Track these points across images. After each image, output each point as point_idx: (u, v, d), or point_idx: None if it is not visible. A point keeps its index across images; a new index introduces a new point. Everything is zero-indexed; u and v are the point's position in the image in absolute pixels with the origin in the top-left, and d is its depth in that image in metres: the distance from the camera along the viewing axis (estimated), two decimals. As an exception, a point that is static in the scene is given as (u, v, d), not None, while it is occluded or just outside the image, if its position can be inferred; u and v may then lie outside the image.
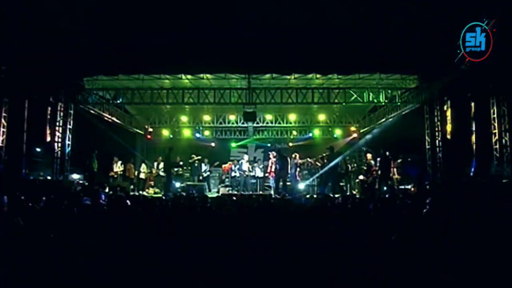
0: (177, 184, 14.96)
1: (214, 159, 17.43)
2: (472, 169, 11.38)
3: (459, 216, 4.33)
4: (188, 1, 10.13)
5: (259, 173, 15.33)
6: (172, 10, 9.97)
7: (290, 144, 18.94)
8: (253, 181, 15.41)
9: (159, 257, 3.22)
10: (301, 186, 14.09)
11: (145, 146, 19.40)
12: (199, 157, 16.14)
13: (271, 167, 14.80)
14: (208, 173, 16.03)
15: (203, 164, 15.94)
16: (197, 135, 18.66)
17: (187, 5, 9.95)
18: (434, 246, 3.23)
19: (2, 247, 3.45)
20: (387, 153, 12.31)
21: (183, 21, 10.25)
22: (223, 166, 16.40)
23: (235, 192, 13.99)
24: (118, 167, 15.15)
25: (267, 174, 15.16)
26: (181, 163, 15.99)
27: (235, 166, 15.61)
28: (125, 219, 4.14)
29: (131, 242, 3.48)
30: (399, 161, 12.55)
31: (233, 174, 15.46)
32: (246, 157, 16.14)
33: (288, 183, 13.68)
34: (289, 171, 13.76)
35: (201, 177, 15.83)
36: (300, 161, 14.62)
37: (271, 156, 15.08)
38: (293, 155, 14.60)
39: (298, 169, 14.69)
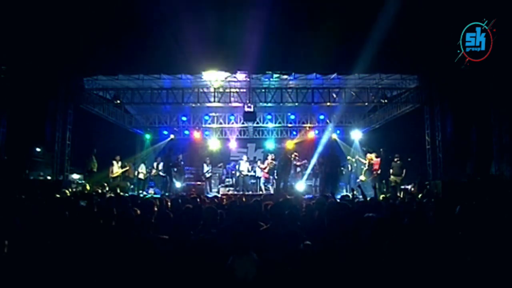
0: (178, 185, 14.95)
1: (214, 159, 17.43)
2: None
3: (460, 216, 4.33)
4: (189, 1, 10.13)
5: (259, 173, 15.35)
6: (172, 10, 9.97)
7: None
8: (253, 181, 15.44)
9: (158, 258, 3.21)
10: (301, 186, 14.09)
11: (145, 146, 19.40)
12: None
13: (265, 167, 14.87)
14: (210, 173, 16.01)
15: (205, 165, 15.92)
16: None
17: (187, 5, 9.95)
18: (434, 247, 3.23)
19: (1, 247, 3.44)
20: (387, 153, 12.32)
21: (182, 20, 10.24)
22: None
23: (235, 192, 14.00)
24: (118, 167, 14.98)
25: (260, 175, 15.19)
26: (182, 163, 15.95)
27: (234, 166, 15.68)
28: (123, 219, 4.13)
29: (129, 242, 3.47)
30: (395, 159, 12.52)
31: (237, 174, 15.53)
32: (245, 157, 16.16)
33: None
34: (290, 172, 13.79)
35: (203, 177, 15.80)
36: (298, 163, 14.61)
37: (269, 157, 15.08)
38: (292, 156, 14.61)
39: (297, 169, 14.71)
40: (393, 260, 2.91)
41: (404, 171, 12.28)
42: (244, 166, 15.33)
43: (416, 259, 2.92)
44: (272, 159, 14.69)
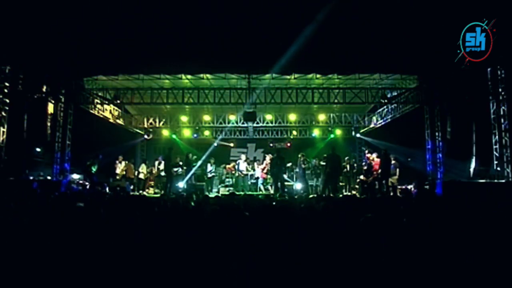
0: (181, 184, 14.90)
1: (218, 159, 17.44)
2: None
3: (459, 217, 4.33)
4: (189, 1, 10.14)
5: (259, 173, 15.34)
6: (172, 9, 9.97)
7: (289, 144, 18.93)
8: (253, 181, 15.45)
9: (157, 259, 3.21)
10: (299, 186, 14.05)
11: (145, 146, 19.43)
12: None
13: (264, 168, 14.85)
14: (213, 173, 16.03)
15: (209, 165, 15.93)
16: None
17: (187, 4, 9.96)
18: (433, 247, 3.23)
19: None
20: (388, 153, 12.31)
21: (182, 20, 10.25)
22: (227, 166, 16.41)
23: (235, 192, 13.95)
24: (121, 167, 14.97)
25: (258, 175, 15.17)
26: (180, 163, 15.92)
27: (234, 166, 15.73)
28: (122, 219, 4.12)
29: (128, 244, 3.47)
30: (393, 161, 12.53)
31: (236, 174, 15.56)
32: (243, 157, 16.18)
33: (288, 183, 13.70)
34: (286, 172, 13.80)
35: (205, 177, 15.81)
36: (304, 165, 14.49)
37: (267, 158, 15.05)
38: (299, 156, 14.43)
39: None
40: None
41: (397, 171, 12.29)
42: (243, 166, 15.34)
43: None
44: (270, 159, 14.66)
